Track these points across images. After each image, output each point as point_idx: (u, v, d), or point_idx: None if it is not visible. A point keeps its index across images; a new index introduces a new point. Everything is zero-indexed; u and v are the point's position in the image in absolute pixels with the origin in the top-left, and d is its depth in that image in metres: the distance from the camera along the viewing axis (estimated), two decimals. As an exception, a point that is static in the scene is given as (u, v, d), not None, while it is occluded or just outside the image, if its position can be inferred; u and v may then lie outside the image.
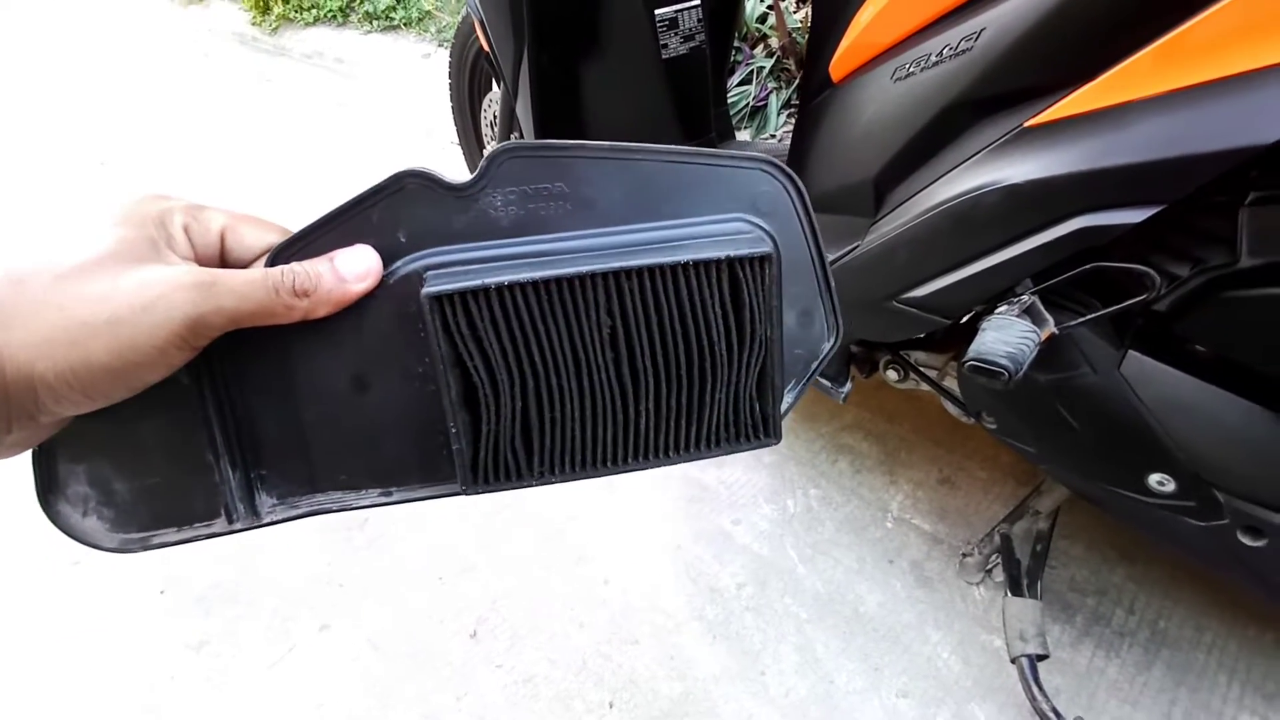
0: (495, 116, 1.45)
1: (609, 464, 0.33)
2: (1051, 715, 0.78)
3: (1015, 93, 0.62)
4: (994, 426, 0.85)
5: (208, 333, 0.27)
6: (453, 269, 0.30)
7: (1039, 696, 0.80)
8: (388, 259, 0.30)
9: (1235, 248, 0.60)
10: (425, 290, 0.29)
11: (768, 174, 0.32)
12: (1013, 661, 0.82)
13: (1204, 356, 0.66)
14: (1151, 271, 0.62)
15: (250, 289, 0.27)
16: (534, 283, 0.29)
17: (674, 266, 0.30)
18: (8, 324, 0.24)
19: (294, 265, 0.29)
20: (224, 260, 0.30)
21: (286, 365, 0.31)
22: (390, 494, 0.33)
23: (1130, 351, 0.68)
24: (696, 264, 0.30)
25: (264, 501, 0.32)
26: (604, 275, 0.30)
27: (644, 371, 0.31)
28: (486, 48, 1.15)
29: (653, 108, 1.16)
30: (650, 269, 0.30)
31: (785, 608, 1.00)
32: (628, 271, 0.30)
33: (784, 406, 0.35)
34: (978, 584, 0.97)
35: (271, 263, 0.29)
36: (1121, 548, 1.01)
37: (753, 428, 0.34)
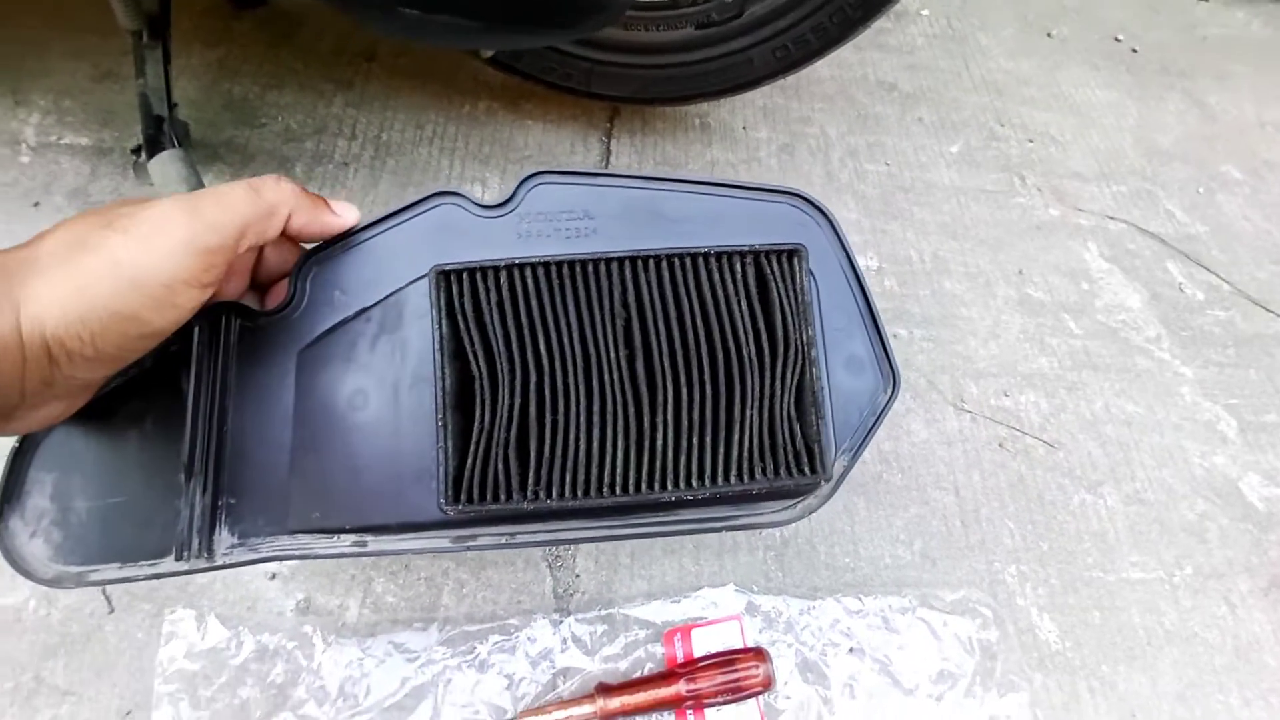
0: None
1: (618, 488, 0.30)
2: None
3: None
4: None
5: (208, 258, 0.28)
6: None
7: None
8: (412, 269, 0.32)
9: None
10: (434, 267, 0.30)
11: (798, 208, 0.32)
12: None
13: None
14: None
15: (230, 194, 0.29)
16: (545, 264, 0.30)
17: (694, 255, 0.30)
18: (23, 282, 0.25)
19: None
20: (258, 273, 0.35)
21: (290, 375, 0.31)
22: (364, 544, 0.31)
23: None
24: (719, 254, 0.30)
25: (222, 539, 0.31)
26: (620, 260, 0.30)
27: (662, 374, 0.30)
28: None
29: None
30: (669, 256, 0.30)
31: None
32: (644, 257, 0.30)
33: (841, 464, 0.32)
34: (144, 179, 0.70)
35: (304, 260, 0.34)
36: (337, 78, 0.85)
37: (794, 458, 0.31)
